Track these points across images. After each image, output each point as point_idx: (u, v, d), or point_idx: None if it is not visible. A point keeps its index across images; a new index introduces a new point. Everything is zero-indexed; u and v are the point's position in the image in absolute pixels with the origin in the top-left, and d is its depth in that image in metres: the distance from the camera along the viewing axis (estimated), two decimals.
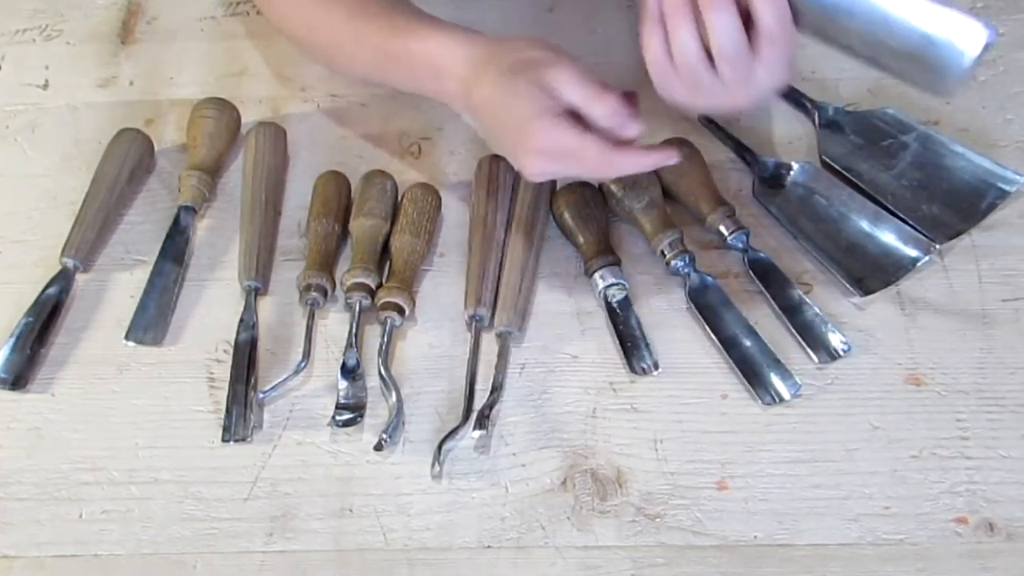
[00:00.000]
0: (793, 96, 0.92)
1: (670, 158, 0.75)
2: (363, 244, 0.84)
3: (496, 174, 0.87)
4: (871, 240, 0.84)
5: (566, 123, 0.72)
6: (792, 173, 0.87)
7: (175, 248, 0.86)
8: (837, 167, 0.87)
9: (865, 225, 0.84)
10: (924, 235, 0.83)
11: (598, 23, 0.99)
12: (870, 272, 0.82)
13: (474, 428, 0.76)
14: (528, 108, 0.72)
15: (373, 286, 0.82)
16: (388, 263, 0.84)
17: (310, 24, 0.86)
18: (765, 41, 0.69)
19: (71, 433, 0.79)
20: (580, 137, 0.72)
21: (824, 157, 0.88)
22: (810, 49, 0.95)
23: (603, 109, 0.72)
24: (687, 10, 0.70)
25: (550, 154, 0.73)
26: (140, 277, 0.85)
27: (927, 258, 0.82)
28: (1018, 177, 0.86)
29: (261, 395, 0.79)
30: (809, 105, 0.91)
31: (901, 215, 0.84)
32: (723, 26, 0.69)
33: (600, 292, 0.82)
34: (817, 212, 0.85)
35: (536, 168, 0.75)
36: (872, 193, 0.85)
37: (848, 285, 0.82)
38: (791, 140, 0.91)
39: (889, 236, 0.83)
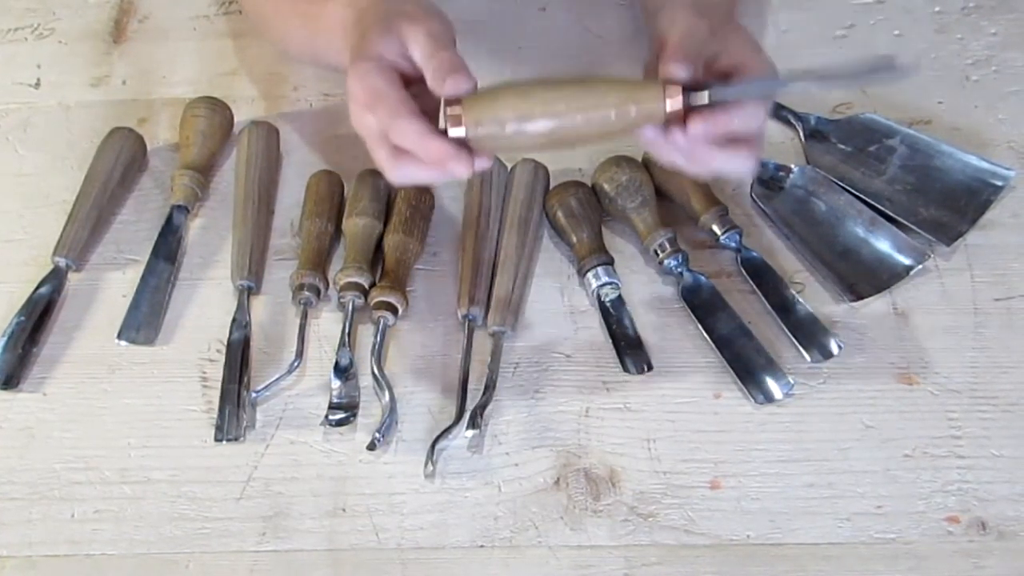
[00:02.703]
0: (775, 110, 0.91)
1: (459, 167, 0.68)
2: (356, 243, 0.84)
3: (489, 173, 0.87)
4: (866, 246, 0.84)
5: (387, 72, 0.69)
6: (792, 176, 0.87)
7: (167, 247, 0.86)
8: (829, 178, 0.87)
9: (860, 231, 0.84)
10: (930, 239, 0.83)
11: (590, 22, 0.99)
12: (862, 278, 0.82)
13: (467, 427, 0.76)
14: (365, 50, 0.70)
15: (366, 285, 0.82)
16: (381, 262, 0.84)
17: None
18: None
19: (63, 433, 0.79)
20: (389, 85, 0.68)
21: (813, 167, 0.88)
22: (802, 49, 0.96)
23: (443, 59, 0.68)
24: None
25: (359, 100, 0.69)
26: (132, 276, 0.85)
27: (920, 266, 0.82)
28: (1008, 171, 0.86)
29: (254, 394, 0.79)
30: (791, 118, 0.91)
31: (902, 220, 0.84)
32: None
33: (593, 291, 0.82)
34: (814, 215, 0.85)
35: (354, 112, 0.71)
36: (870, 201, 0.85)
37: (839, 290, 0.82)
38: (783, 141, 0.91)
39: (884, 243, 0.83)
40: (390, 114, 0.68)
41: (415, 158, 0.68)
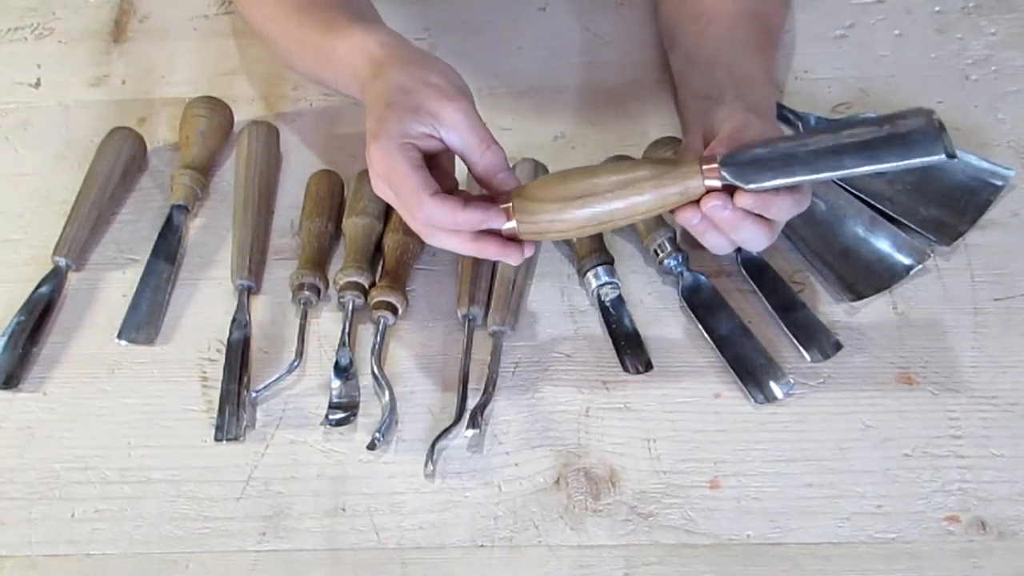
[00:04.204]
0: (776, 110, 0.91)
1: (507, 255, 0.72)
2: (356, 243, 0.84)
3: None
4: (866, 245, 0.84)
5: (409, 151, 0.71)
6: None
7: (167, 247, 0.86)
8: None
9: (860, 231, 0.84)
10: (930, 239, 0.83)
11: (590, 22, 0.99)
12: (862, 278, 0.82)
13: (467, 427, 0.76)
14: (388, 126, 0.71)
15: (366, 285, 0.82)
16: (381, 262, 0.84)
17: (266, 16, 0.87)
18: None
19: (63, 432, 0.79)
20: (411, 167, 0.70)
21: None
22: (801, 48, 0.96)
23: (490, 158, 0.72)
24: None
25: (381, 176, 0.72)
26: (132, 276, 0.85)
27: (921, 266, 0.82)
28: (1008, 171, 0.86)
29: (254, 394, 0.79)
30: (792, 117, 0.90)
31: (902, 220, 0.84)
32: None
33: (593, 291, 0.82)
34: (814, 215, 0.85)
35: (374, 182, 0.74)
36: (870, 200, 0.85)
37: (839, 290, 0.82)
38: None
39: (884, 243, 0.83)
40: (415, 200, 0.70)
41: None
